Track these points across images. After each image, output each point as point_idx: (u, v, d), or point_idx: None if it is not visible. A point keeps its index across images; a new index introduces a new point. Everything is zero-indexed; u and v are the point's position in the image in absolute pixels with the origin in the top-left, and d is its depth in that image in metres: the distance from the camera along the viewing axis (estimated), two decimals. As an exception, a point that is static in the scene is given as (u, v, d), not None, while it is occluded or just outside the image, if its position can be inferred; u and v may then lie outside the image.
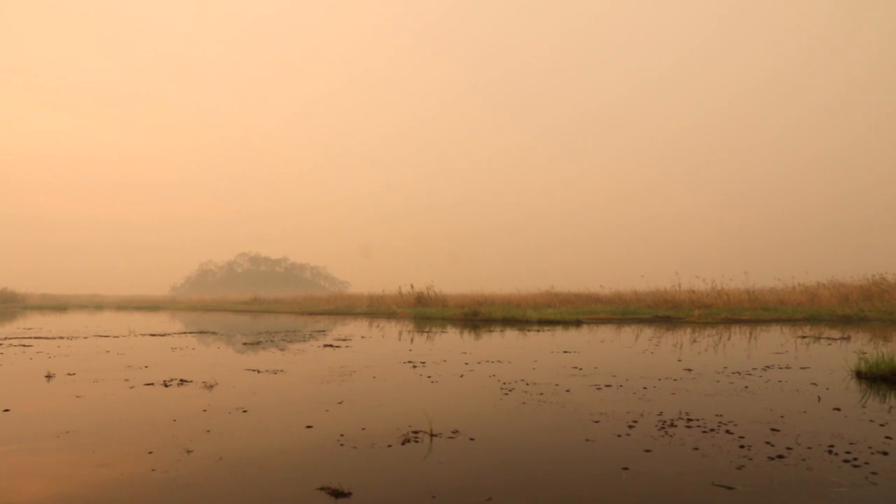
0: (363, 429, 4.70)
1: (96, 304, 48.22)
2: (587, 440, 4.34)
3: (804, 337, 13.21)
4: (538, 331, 16.12)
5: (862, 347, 10.53)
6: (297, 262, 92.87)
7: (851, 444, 4.16)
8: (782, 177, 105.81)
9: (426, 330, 17.10)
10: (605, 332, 15.36)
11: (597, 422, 4.92)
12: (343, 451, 4.08)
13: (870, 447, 4.05)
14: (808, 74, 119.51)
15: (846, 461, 3.73)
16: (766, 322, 19.43)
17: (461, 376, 7.53)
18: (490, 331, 16.51)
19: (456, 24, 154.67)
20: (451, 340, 13.35)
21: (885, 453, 3.92)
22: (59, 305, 43.21)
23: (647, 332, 15.50)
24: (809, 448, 4.04)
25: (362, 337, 14.60)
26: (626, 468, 3.65)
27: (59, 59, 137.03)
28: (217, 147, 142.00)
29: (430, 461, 3.85)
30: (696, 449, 4.06)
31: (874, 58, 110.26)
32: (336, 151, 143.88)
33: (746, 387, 6.60)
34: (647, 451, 4.04)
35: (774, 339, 12.83)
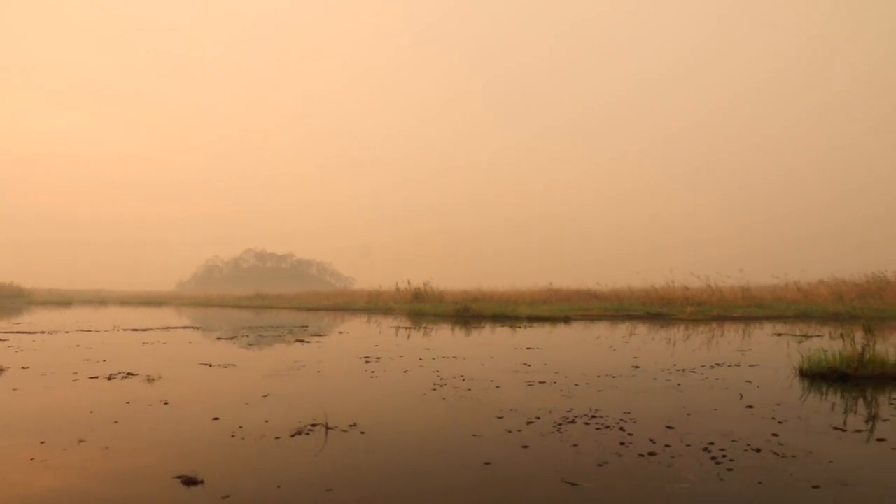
0: (266, 421, 4.81)
1: (101, 300, 49.14)
2: (474, 435, 4.41)
3: (780, 334, 13.09)
4: (523, 327, 16.16)
5: (831, 345, 10.39)
6: (303, 258, 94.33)
7: (733, 441, 4.17)
8: (782, 176, 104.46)
9: (412, 326, 17.21)
10: (587, 329, 15.34)
11: (500, 418, 4.98)
12: (230, 442, 4.20)
13: (748, 445, 4.07)
14: (808, 75, 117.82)
15: (713, 458, 3.76)
16: (757, 319, 19.24)
17: (405, 372, 7.61)
18: (476, 327, 16.58)
19: (456, 24, 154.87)
20: (426, 336, 13.44)
21: (758, 450, 3.93)
22: (63, 301, 44.09)
23: (630, 329, 15.45)
24: (688, 446, 4.07)
25: (340, 333, 14.76)
26: (487, 463, 3.71)
27: (62, 58, 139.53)
28: (220, 146, 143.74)
29: (306, 453, 3.94)
30: (575, 446, 4.10)
31: (874, 58, 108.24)
32: (338, 150, 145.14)
33: (679, 384, 6.60)
34: (525, 447, 4.10)
35: (749, 337, 12.73)
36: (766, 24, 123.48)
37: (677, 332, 14.19)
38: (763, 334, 13.32)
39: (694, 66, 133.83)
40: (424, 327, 16.58)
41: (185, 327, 16.27)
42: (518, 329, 15.46)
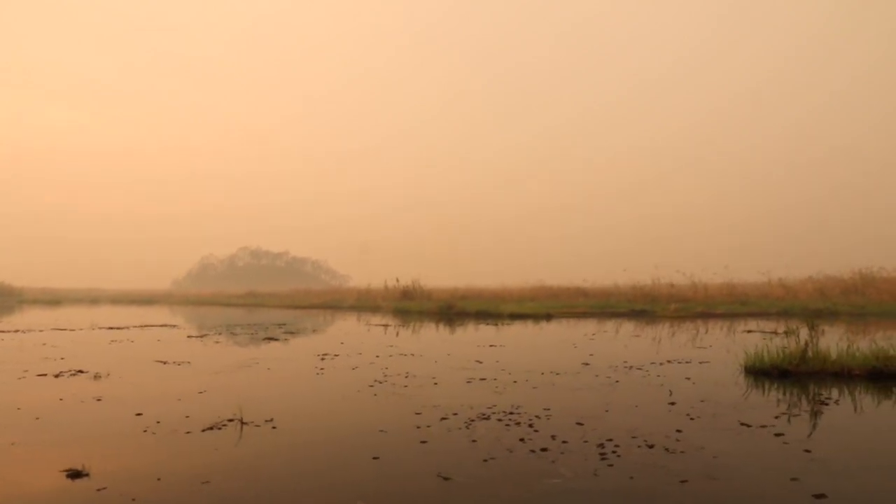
0: (187, 417, 4.91)
1: (92, 299, 49.34)
2: (381, 431, 4.49)
3: (750, 331, 13.11)
4: (502, 325, 16.22)
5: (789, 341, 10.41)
6: (298, 256, 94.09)
7: (633, 438, 4.23)
8: (781, 175, 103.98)
9: (393, 324, 17.29)
10: (563, 327, 15.39)
11: (418, 414, 5.05)
12: (139, 436, 4.30)
13: (646, 441, 4.13)
14: (808, 75, 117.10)
15: (602, 455, 3.82)
16: (739, 316, 19.25)
17: (354, 369, 7.69)
18: (456, 324, 16.65)
19: (455, 24, 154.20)
20: (398, 334, 13.52)
21: (652, 446, 3.99)
22: (53, 300, 44.22)
23: (607, 326, 15.49)
24: (585, 442, 4.13)
25: (315, 330, 14.86)
26: (376, 458, 3.79)
27: (61, 57, 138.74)
28: (219, 145, 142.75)
29: (206, 447, 4.03)
30: (474, 441, 4.17)
31: (873, 59, 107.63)
32: (337, 149, 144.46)
33: (618, 381, 6.66)
34: (424, 442, 4.17)
35: (719, 334, 12.76)
36: (766, 24, 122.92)
37: (650, 329, 14.22)
38: (734, 331, 13.34)
39: (693, 66, 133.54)
40: (402, 325, 16.66)
41: (162, 325, 16.39)
42: (495, 326, 15.53)
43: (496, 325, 16.26)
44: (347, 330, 15.37)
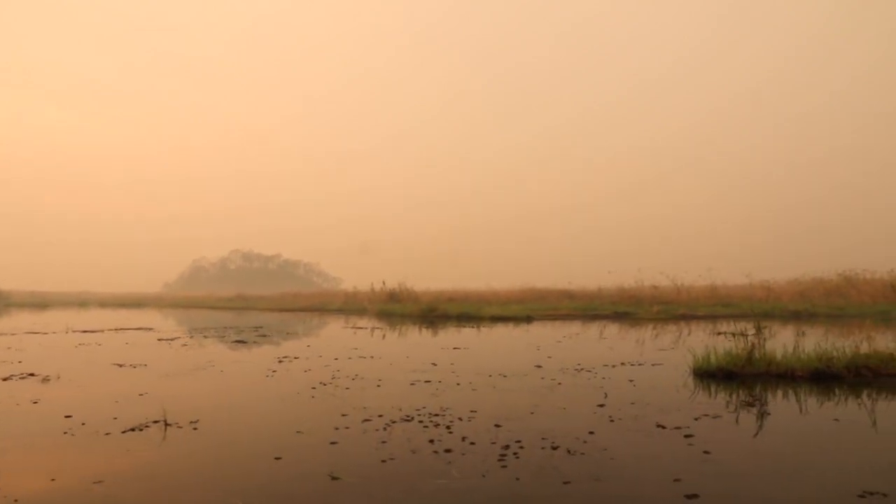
0: (115, 418, 4.97)
1: (81, 302, 49.38)
2: (298, 432, 4.54)
3: (720, 333, 13.14)
4: (481, 327, 16.27)
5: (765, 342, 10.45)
6: (290, 258, 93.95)
7: (543, 439, 4.28)
8: (780, 174, 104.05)
9: (371, 326, 17.34)
10: (538, 329, 15.43)
11: (345, 415, 5.11)
12: (56, 438, 4.35)
13: (554, 442, 4.18)
14: (808, 75, 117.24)
15: (503, 456, 3.87)
16: (720, 318, 19.30)
17: (305, 371, 7.74)
18: (435, 327, 16.70)
19: (455, 24, 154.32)
20: (367, 336, 13.57)
21: (555, 448, 4.04)
22: (41, 303, 44.20)
23: (583, 328, 15.53)
24: (493, 443, 4.18)
25: (287, 333, 14.91)
26: (278, 458, 3.84)
27: (52, 56, 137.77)
28: (216, 145, 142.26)
29: (120, 448, 4.10)
30: (384, 443, 4.23)
31: (872, 59, 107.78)
32: (334, 150, 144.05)
33: (560, 384, 6.71)
34: (333, 443, 4.23)
35: (687, 336, 12.80)
36: (766, 24, 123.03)
37: (625, 332, 14.27)
38: (704, 333, 13.38)
39: (692, 66, 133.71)
40: (380, 328, 16.71)
41: (138, 329, 16.44)
42: (472, 329, 15.59)
43: (474, 327, 16.31)
44: (322, 333, 15.42)
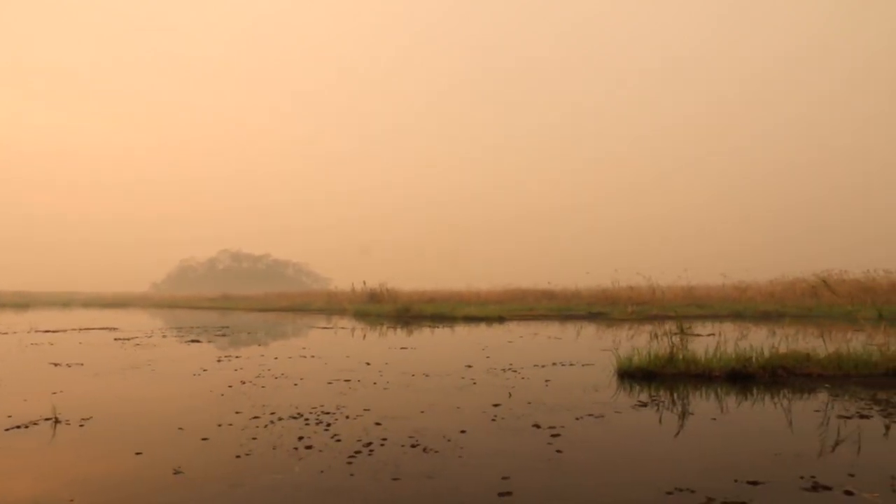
0: (9, 416, 5.06)
1: (64, 302, 49.50)
2: (180, 428, 4.64)
3: (675, 333, 13.19)
4: (447, 327, 16.36)
5: (715, 342, 10.53)
6: (279, 259, 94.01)
7: (410, 437, 4.37)
8: (778, 173, 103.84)
9: (339, 326, 17.45)
10: (502, 329, 15.50)
11: (238, 413, 5.21)
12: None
13: (416, 441, 4.26)
14: (804, 73, 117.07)
15: (355, 453, 3.96)
16: (692, 318, 19.35)
17: (236, 370, 7.83)
18: (404, 327, 16.80)
19: (451, 22, 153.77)
20: (323, 336, 13.67)
21: (414, 446, 4.12)
22: (23, 303, 44.26)
23: (548, 328, 15.59)
24: (359, 440, 4.28)
25: (249, 333, 15.00)
26: (139, 453, 3.93)
27: (45, 55, 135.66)
28: (206, 144, 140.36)
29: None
30: (254, 439, 4.33)
31: (868, 58, 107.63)
32: (326, 149, 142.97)
33: (475, 383, 6.80)
34: (205, 439, 4.32)
35: (641, 336, 12.87)
36: (763, 22, 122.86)
37: (587, 332, 14.33)
38: (663, 333, 13.42)
39: (689, 65, 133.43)
40: (348, 327, 16.81)
41: (102, 328, 16.55)
42: (440, 329, 15.68)
43: (443, 327, 16.39)
44: (285, 332, 15.51)
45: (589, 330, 15.11)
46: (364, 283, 27.89)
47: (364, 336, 14.02)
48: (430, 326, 16.95)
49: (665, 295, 23.19)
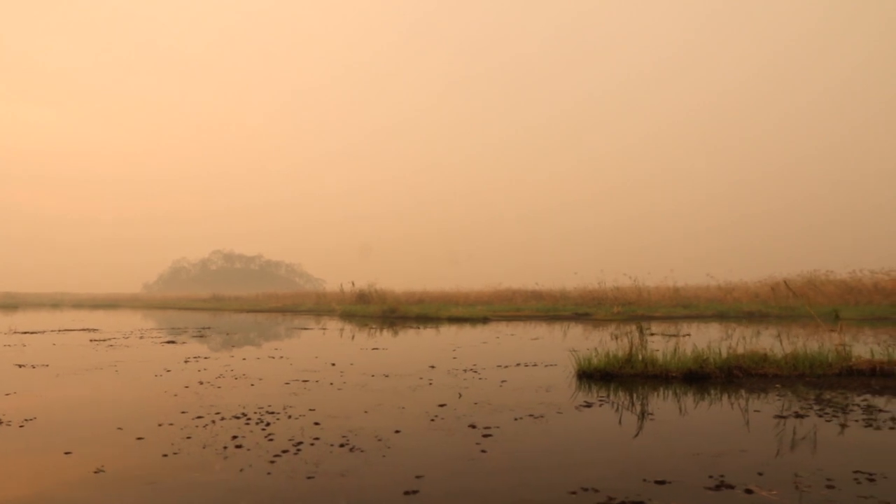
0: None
1: (54, 303, 49.53)
2: (119, 428, 4.68)
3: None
4: (429, 327, 16.41)
5: (689, 342, 10.58)
6: (272, 259, 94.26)
7: (343, 437, 4.41)
8: (775, 172, 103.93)
9: (322, 327, 17.49)
10: (482, 330, 15.54)
11: (184, 412, 5.25)
12: None
13: (347, 440, 4.31)
14: (800, 72, 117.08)
15: (282, 452, 3.99)
16: (676, 318, 19.41)
17: (199, 371, 7.88)
18: (388, 328, 16.85)
19: (444, 19, 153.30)
20: (298, 338, 13.71)
21: (343, 445, 4.17)
22: (12, 304, 44.20)
23: (529, 329, 15.63)
24: (290, 440, 4.31)
25: (228, 334, 15.05)
26: (68, 452, 3.98)
27: (34, 52, 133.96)
28: (200, 144, 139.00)
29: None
30: (189, 438, 4.37)
31: (864, 57, 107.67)
32: (320, 149, 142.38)
33: (431, 383, 6.86)
34: (140, 438, 4.37)
35: (616, 338, 12.90)
36: (758, 21, 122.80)
37: (566, 332, 14.37)
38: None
39: (685, 64, 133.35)
40: (325, 328, 16.86)
41: (82, 329, 16.59)
42: (421, 330, 15.74)
43: (426, 328, 16.44)
44: (265, 333, 15.55)
45: (569, 330, 15.15)
46: (353, 283, 27.95)
47: (342, 337, 14.06)
48: (413, 327, 17.00)
49: (651, 295, 23.25)
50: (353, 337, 13.91)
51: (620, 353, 7.56)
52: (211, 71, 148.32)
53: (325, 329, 16.60)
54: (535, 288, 28.62)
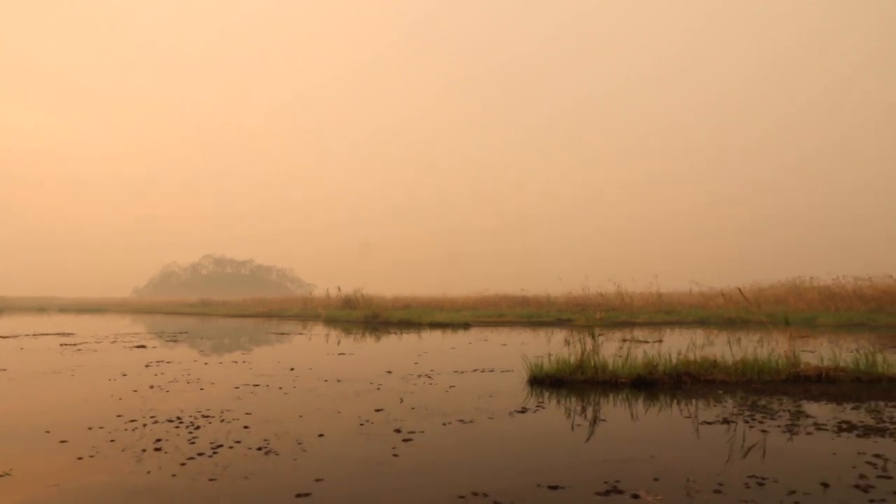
0: None
1: (40, 307, 49.42)
2: (47, 431, 4.73)
3: (626, 340, 13.31)
4: (407, 333, 16.44)
5: (656, 348, 10.63)
6: (263, 264, 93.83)
7: (265, 440, 4.46)
8: (774, 173, 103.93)
9: (302, 332, 17.51)
10: (458, 336, 15.57)
11: (120, 416, 5.28)
12: None
13: (266, 444, 4.35)
14: (798, 73, 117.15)
15: (200, 454, 4.04)
16: (657, 325, 19.47)
17: (156, 375, 7.92)
18: (369, 333, 16.88)
19: (445, 19, 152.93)
20: (275, 343, 13.75)
21: (260, 449, 4.21)
22: None
23: (504, 335, 15.65)
24: (211, 444, 4.36)
25: (203, 338, 15.08)
26: (-22, 457, 4.01)
27: (26, 51, 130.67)
28: (198, 143, 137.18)
29: None
30: (112, 441, 4.42)
31: (862, 58, 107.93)
32: (319, 149, 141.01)
33: (378, 388, 6.89)
34: (64, 441, 4.41)
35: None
36: (756, 22, 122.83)
37: (540, 337, 14.39)
38: (611, 340, 13.52)
39: (685, 64, 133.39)
40: (301, 333, 16.89)
41: (57, 334, 16.62)
42: (400, 335, 15.78)
43: (403, 333, 16.47)
44: (242, 338, 15.58)
45: (547, 336, 15.18)
46: (339, 289, 27.98)
47: (317, 342, 14.09)
48: (394, 332, 17.03)
49: (634, 301, 23.30)
50: (328, 342, 13.94)
51: (573, 360, 7.60)
52: (211, 71, 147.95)
53: (302, 334, 16.63)
54: (521, 294, 28.66)
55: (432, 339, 14.43)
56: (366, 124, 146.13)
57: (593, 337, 7.79)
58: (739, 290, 12.02)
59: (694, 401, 6.09)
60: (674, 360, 7.47)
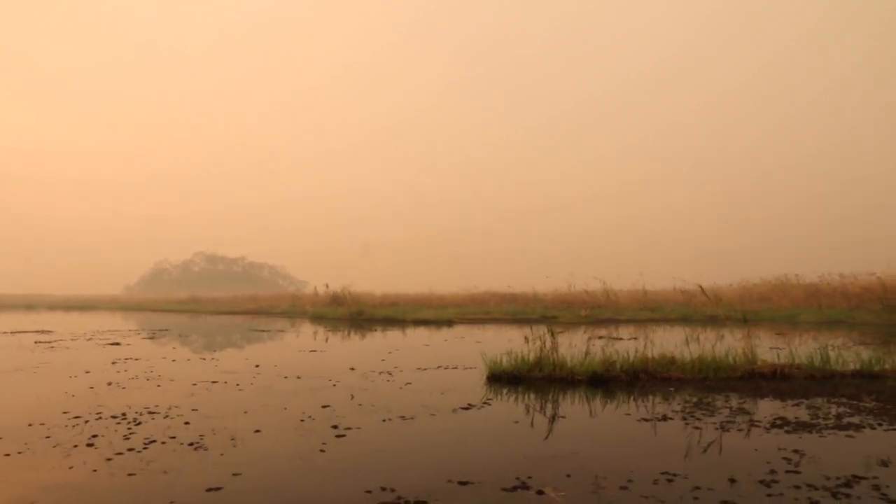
0: None
1: (28, 305, 49.39)
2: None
3: (601, 337, 13.36)
4: (388, 330, 16.50)
5: (634, 345, 10.68)
6: (255, 261, 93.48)
7: (201, 436, 4.50)
8: (772, 173, 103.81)
9: (280, 329, 17.56)
10: (439, 333, 15.61)
11: (66, 412, 5.33)
12: None
13: (194, 441, 4.39)
14: (797, 73, 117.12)
15: (129, 450, 4.09)
16: (641, 322, 19.55)
17: (118, 372, 7.97)
18: (351, 330, 16.93)
19: (445, 19, 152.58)
20: (250, 340, 13.79)
21: (192, 444, 4.25)
22: None
23: (486, 332, 15.70)
24: (145, 439, 4.40)
25: (180, 336, 15.12)
26: None
27: (18, 50, 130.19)
28: (184, 145, 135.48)
29: None
30: (48, 437, 4.46)
31: (861, 59, 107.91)
32: (319, 148, 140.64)
33: (335, 385, 6.94)
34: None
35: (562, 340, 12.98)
36: (756, 21, 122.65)
37: (519, 335, 14.41)
38: (588, 337, 13.57)
39: (685, 64, 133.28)
40: (282, 330, 16.94)
41: (35, 331, 16.65)
42: (381, 332, 15.85)
43: (386, 330, 16.52)
44: (221, 335, 15.62)
45: (527, 333, 15.20)
46: (327, 286, 28.02)
47: (293, 339, 14.13)
48: (377, 329, 17.07)
49: (619, 299, 23.37)
50: (306, 339, 13.98)
51: (531, 357, 7.65)
52: (211, 71, 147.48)
53: (284, 331, 16.68)
54: (508, 291, 28.73)
55: (410, 337, 14.48)
56: (366, 124, 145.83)
57: (552, 334, 7.83)
58: (700, 287, 12.10)
59: (643, 398, 6.14)
60: (631, 358, 7.51)
